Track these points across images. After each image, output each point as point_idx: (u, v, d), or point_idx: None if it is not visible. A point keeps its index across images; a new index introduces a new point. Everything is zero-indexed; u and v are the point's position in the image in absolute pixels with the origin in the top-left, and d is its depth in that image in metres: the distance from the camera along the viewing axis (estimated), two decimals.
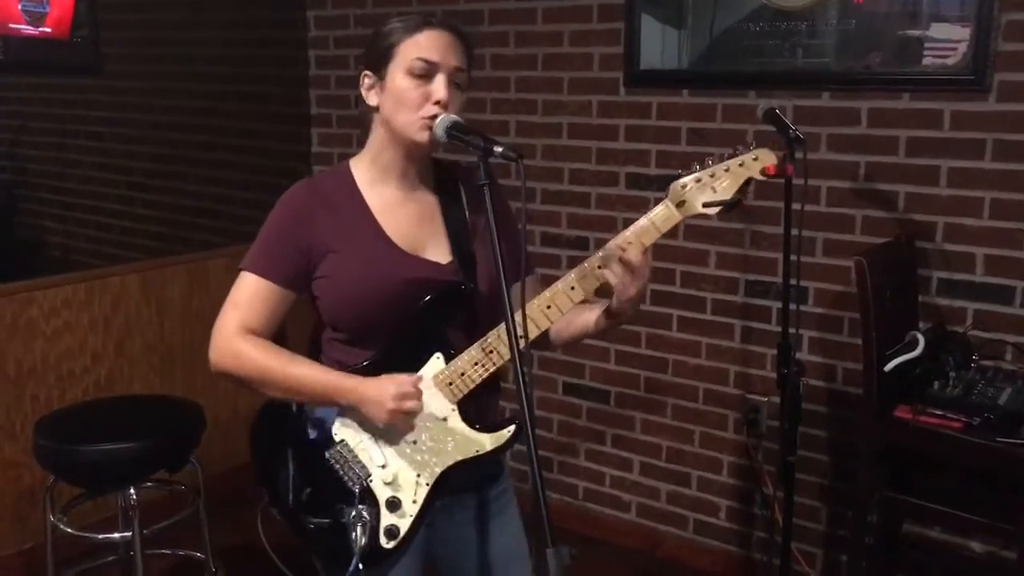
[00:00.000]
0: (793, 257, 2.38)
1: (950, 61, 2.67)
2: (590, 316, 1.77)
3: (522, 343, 1.54)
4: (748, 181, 1.67)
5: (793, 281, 2.42)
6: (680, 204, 1.67)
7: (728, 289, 3.15)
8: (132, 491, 2.67)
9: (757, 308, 3.11)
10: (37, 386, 3.25)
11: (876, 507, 2.65)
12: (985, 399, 2.41)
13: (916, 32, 2.71)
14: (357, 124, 1.83)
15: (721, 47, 3.02)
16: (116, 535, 2.86)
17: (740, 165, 1.66)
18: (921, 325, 2.75)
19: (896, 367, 2.49)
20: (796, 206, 2.34)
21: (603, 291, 1.69)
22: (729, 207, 1.68)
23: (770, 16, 2.90)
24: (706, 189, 1.66)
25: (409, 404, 1.63)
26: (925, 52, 2.70)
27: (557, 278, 1.69)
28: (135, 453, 2.63)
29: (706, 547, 3.34)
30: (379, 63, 1.67)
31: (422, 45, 1.64)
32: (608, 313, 1.74)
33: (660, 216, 1.67)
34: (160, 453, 2.70)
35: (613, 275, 1.65)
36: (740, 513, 3.27)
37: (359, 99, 1.74)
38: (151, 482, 2.87)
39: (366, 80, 1.70)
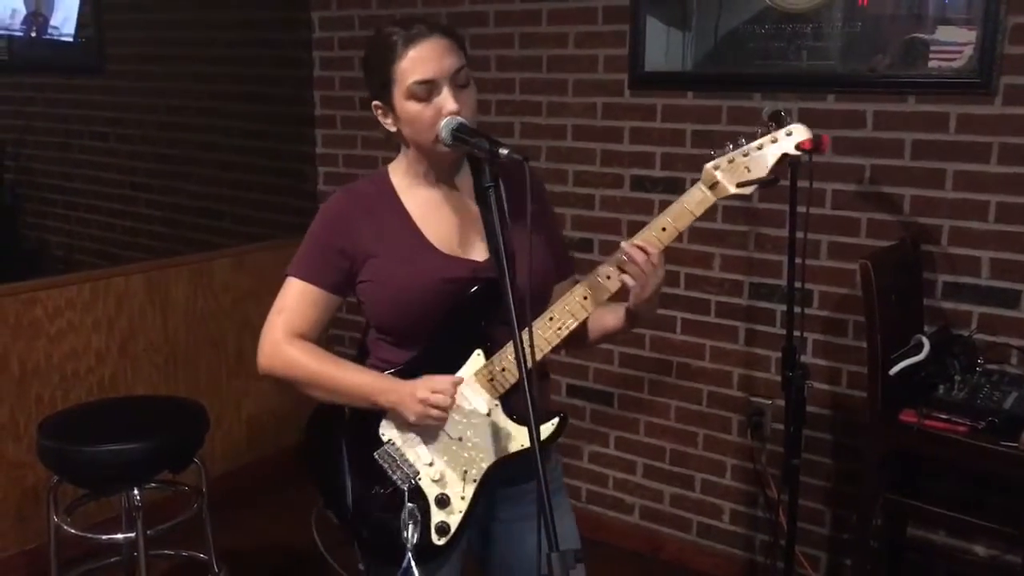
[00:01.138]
0: (798, 260, 2.38)
1: (956, 64, 2.66)
2: (613, 316, 1.80)
3: (558, 338, 1.61)
4: (783, 157, 1.64)
5: (798, 284, 2.42)
6: (713, 186, 1.65)
7: (733, 292, 3.15)
8: (136, 492, 2.67)
9: (762, 311, 3.10)
10: (41, 386, 3.25)
11: (880, 511, 2.64)
12: (990, 403, 2.40)
13: (922, 35, 2.70)
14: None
15: (726, 49, 3.02)
16: (119, 536, 2.86)
17: (773, 142, 1.64)
18: (926, 328, 2.75)
19: (901, 370, 2.49)
20: (801, 209, 2.34)
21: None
22: (764, 185, 1.65)
23: (775, 18, 2.90)
24: (739, 169, 1.65)
25: (436, 404, 1.64)
26: (931, 55, 2.69)
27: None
28: (139, 454, 2.63)
29: (709, 550, 3.34)
30: (383, 93, 1.68)
31: (414, 66, 1.64)
32: (628, 314, 1.77)
33: (694, 200, 1.67)
34: (163, 454, 2.70)
35: (628, 278, 1.67)
36: (744, 516, 3.26)
37: (379, 127, 1.76)
38: (155, 483, 2.87)
39: (379, 111, 1.72)
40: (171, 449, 2.73)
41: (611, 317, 1.81)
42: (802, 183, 2.32)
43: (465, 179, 1.80)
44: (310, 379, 1.74)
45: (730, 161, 1.65)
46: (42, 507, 2.91)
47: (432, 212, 1.76)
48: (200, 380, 3.64)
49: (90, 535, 2.84)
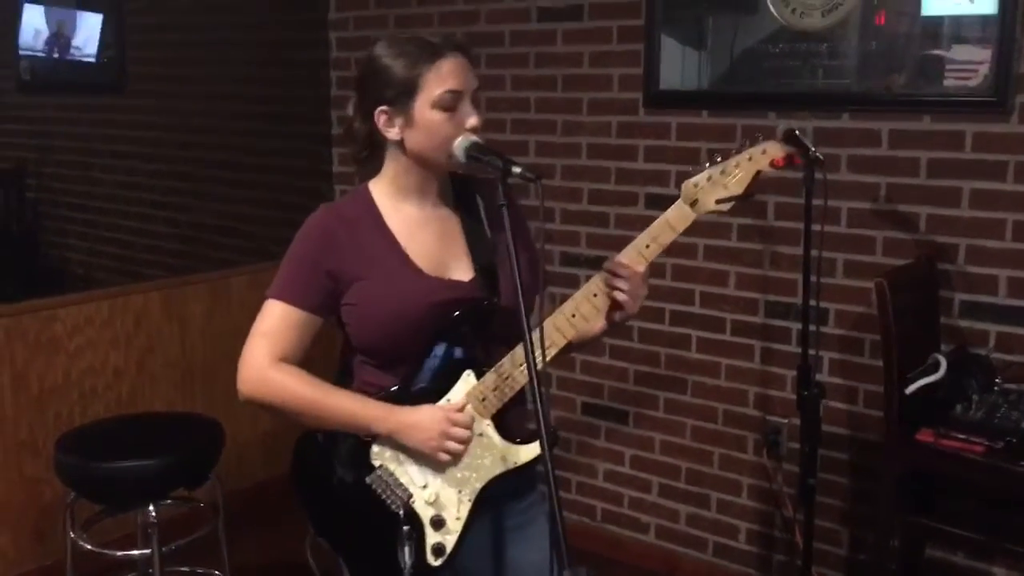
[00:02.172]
0: (813, 278, 2.38)
1: (972, 83, 2.66)
2: (592, 327, 1.79)
3: (547, 356, 1.59)
4: (758, 174, 1.68)
5: (813, 302, 2.41)
6: (693, 203, 1.68)
7: (748, 310, 3.14)
8: (152, 508, 2.69)
9: (777, 329, 3.09)
10: (59, 403, 3.27)
11: (898, 531, 2.62)
12: (1008, 422, 2.38)
13: (937, 53, 2.70)
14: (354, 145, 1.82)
15: (741, 68, 3.03)
16: (135, 552, 2.88)
17: (749, 159, 1.67)
18: (943, 347, 2.73)
19: (918, 390, 2.47)
20: (816, 227, 2.34)
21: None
22: (741, 201, 1.69)
23: (790, 37, 2.90)
24: (717, 186, 1.67)
25: (458, 438, 1.66)
26: (946, 73, 2.69)
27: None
28: (155, 470, 2.64)
29: (726, 570, 3.32)
30: (399, 99, 1.66)
31: (445, 76, 1.64)
32: (612, 324, 1.77)
33: (675, 216, 1.69)
34: (180, 470, 2.72)
35: (620, 292, 1.68)
36: (760, 536, 3.24)
37: (367, 131, 1.74)
38: (171, 499, 2.88)
39: (382, 116, 1.69)
40: (187, 466, 2.75)
41: (591, 328, 1.79)
42: (817, 201, 2.32)
43: (447, 196, 1.80)
44: (298, 406, 1.71)
45: (708, 178, 1.67)
46: (59, 523, 2.93)
47: (416, 232, 1.74)
48: (217, 397, 3.66)
49: (106, 551, 2.85)
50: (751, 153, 1.67)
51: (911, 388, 2.47)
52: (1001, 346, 2.70)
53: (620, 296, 1.68)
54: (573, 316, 1.70)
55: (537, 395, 1.45)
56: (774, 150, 1.68)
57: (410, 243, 1.73)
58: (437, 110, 1.65)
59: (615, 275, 1.67)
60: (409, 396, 1.71)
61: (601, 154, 3.36)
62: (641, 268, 1.69)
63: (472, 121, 1.66)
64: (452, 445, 1.66)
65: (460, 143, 1.65)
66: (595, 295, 1.70)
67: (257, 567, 3.32)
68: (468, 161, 1.64)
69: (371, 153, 1.77)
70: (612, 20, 3.25)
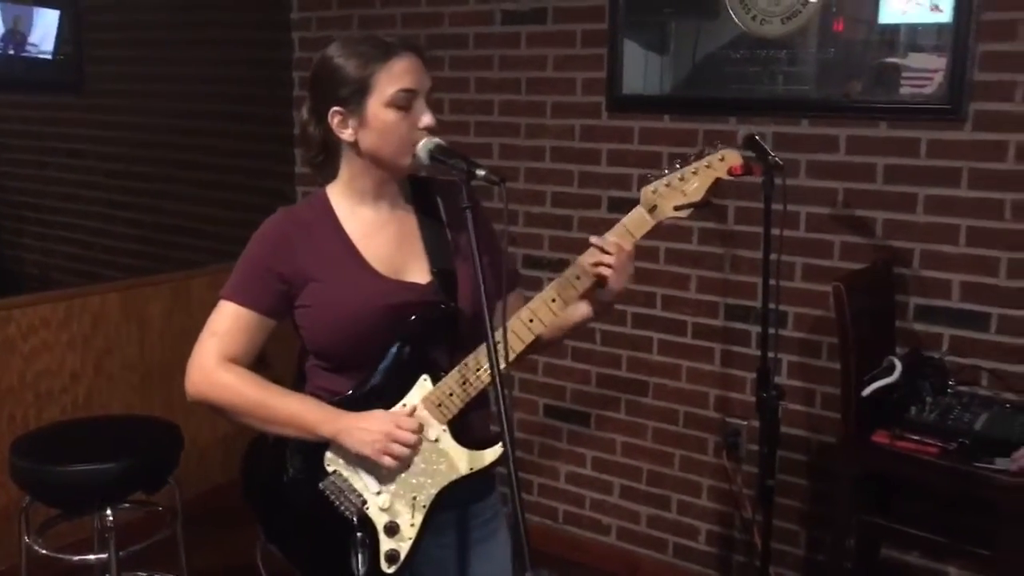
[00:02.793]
0: (772, 282, 2.41)
1: (927, 90, 2.71)
2: (572, 314, 1.78)
3: (507, 360, 1.58)
4: (716, 181, 1.71)
5: (772, 305, 2.44)
6: (652, 209, 1.70)
7: (708, 313, 3.17)
8: (109, 512, 2.65)
9: (737, 332, 3.13)
10: (14, 405, 3.22)
11: (854, 531, 2.66)
12: (961, 424, 2.43)
13: (894, 61, 2.75)
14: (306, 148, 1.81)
15: (703, 73, 3.06)
16: (92, 557, 2.84)
17: (707, 167, 1.70)
18: (898, 350, 2.77)
19: (874, 392, 2.51)
20: (775, 231, 2.37)
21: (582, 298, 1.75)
22: (699, 208, 1.71)
23: (751, 43, 2.94)
24: (676, 192, 1.70)
25: (404, 442, 1.63)
26: (903, 81, 2.74)
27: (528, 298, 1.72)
28: (112, 474, 2.61)
29: (686, 571, 3.34)
30: (352, 98, 1.65)
31: (399, 75, 1.64)
32: (593, 307, 1.77)
33: (634, 222, 1.71)
34: (138, 474, 2.68)
35: (605, 269, 1.68)
36: (720, 537, 3.27)
37: (322, 134, 1.72)
38: (128, 503, 2.84)
39: (336, 117, 1.67)
40: (145, 469, 2.71)
41: (574, 314, 1.79)
42: (776, 206, 2.35)
43: (405, 198, 1.79)
44: (245, 407, 1.69)
45: (667, 184, 1.70)
46: (13, 528, 2.88)
47: (373, 234, 1.73)
48: (176, 399, 3.62)
49: (62, 556, 2.81)
50: (709, 160, 1.70)
51: (867, 390, 2.51)
52: (954, 349, 2.75)
53: (606, 271, 1.68)
54: (531, 321, 1.69)
55: (500, 399, 1.45)
56: (732, 158, 1.71)
57: (366, 245, 1.72)
58: (391, 109, 1.64)
59: (602, 251, 1.68)
60: (363, 401, 1.69)
61: (564, 157, 3.37)
62: (628, 247, 1.69)
63: (426, 120, 1.65)
64: (397, 448, 1.63)
65: (424, 145, 1.64)
66: (553, 300, 1.70)
67: (216, 571, 3.29)
68: (432, 163, 1.64)
69: (327, 156, 1.76)
70: (576, 24, 3.27)
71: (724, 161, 1.70)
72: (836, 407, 2.81)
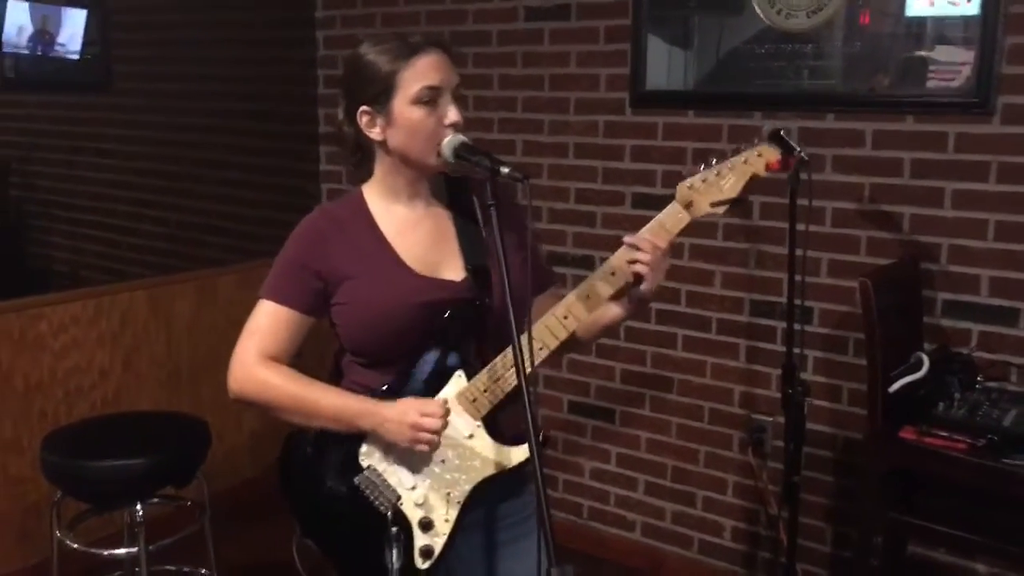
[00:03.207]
0: (798, 277, 2.40)
1: (954, 84, 2.68)
2: (605, 313, 1.75)
3: (536, 359, 1.60)
4: (753, 178, 1.69)
5: (798, 301, 2.43)
6: (688, 205, 1.68)
7: (733, 309, 3.16)
8: (138, 507, 2.68)
9: (762, 328, 3.11)
10: (45, 402, 3.26)
11: (881, 528, 2.64)
12: (990, 420, 2.41)
13: (921, 54, 2.73)
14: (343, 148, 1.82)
15: (727, 68, 3.05)
16: (122, 551, 2.87)
17: (744, 162, 1.68)
18: (926, 346, 2.75)
19: (901, 388, 2.50)
20: (801, 227, 2.36)
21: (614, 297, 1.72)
22: (735, 205, 1.70)
23: (776, 38, 2.92)
24: (713, 188, 1.68)
25: (429, 429, 1.64)
26: (929, 74, 2.71)
27: (564, 296, 1.71)
28: (141, 469, 2.64)
29: (711, 567, 3.34)
30: (379, 97, 1.67)
31: (423, 72, 1.65)
32: (627, 305, 1.74)
33: (670, 219, 1.69)
34: (166, 469, 2.71)
35: (641, 266, 1.66)
36: (745, 533, 3.27)
37: (355, 134, 1.73)
38: (157, 498, 2.88)
39: (364, 117, 1.70)
40: (174, 464, 2.74)
41: (607, 313, 1.76)
42: (802, 201, 2.34)
43: (440, 197, 1.79)
44: (285, 403, 1.71)
45: (703, 180, 1.68)
46: (45, 522, 2.93)
47: (407, 232, 1.75)
48: (203, 396, 3.66)
49: (93, 550, 2.84)
50: (747, 156, 1.68)
51: (894, 386, 2.49)
52: (983, 345, 2.73)
53: (641, 268, 1.66)
54: (565, 318, 1.69)
55: (526, 396, 1.45)
56: (770, 154, 1.68)
57: (401, 243, 1.73)
58: (416, 107, 1.65)
59: (636, 248, 1.66)
60: (398, 396, 1.70)
61: (588, 154, 3.37)
62: (663, 244, 1.68)
63: (452, 117, 1.65)
64: (425, 436, 1.64)
65: (448, 142, 1.65)
66: (588, 296, 1.69)
67: (243, 566, 3.32)
68: (456, 161, 1.64)
69: (363, 156, 1.78)
70: (599, 20, 3.26)
71: (762, 157, 1.68)
72: (862, 403, 2.80)
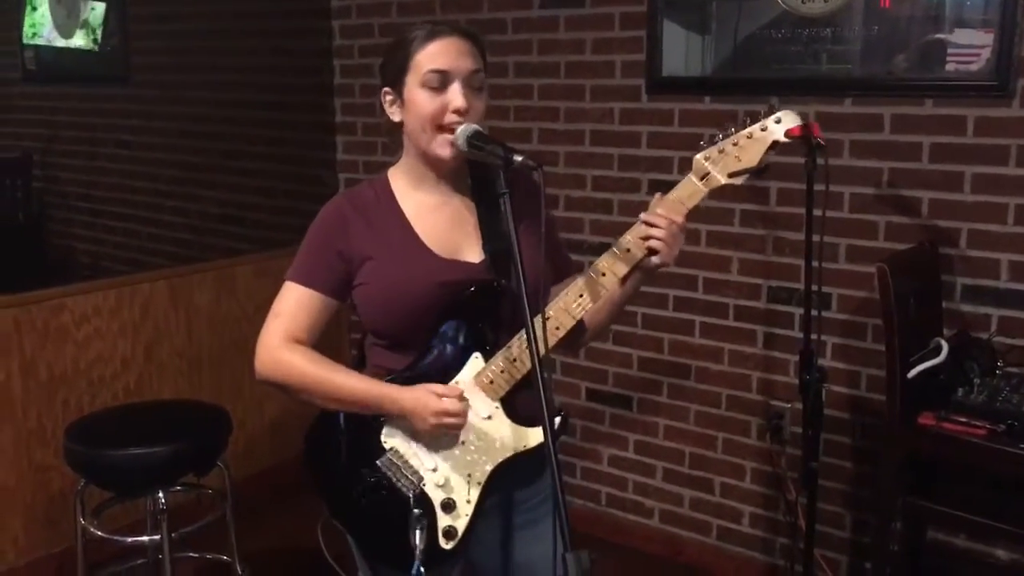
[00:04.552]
0: (816, 263, 2.39)
1: (974, 67, 2.66)
2: (615, 289, 1.75)
3: (551, 341, 1.62)
4: (773, 145, 1.65)
5: (816, 287, 2.42)
6: (704, 177, 1.66)
7: (751, 295, 3.16)
8: (161, 495, 2.71)
9: (780, 314, 3.11)
10: (68, 391, 3.30)
11: (900, 514, 2.64)
12: (1010, 406, 2.39)
13: (939, 37, 2.70)
14: (381, 132, 1.85)
15: (744, 53, 3.03)
16: (145, 538, 2.90)
17: (763, 130, 1.65)
18: (945, 332, 2.74)
19: (919, 374, 2.49)
20: (818, 212, 2.35)
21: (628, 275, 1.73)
22: (755, 174, 1.66)
23: (793, 22, 2.91)
24: (730, 158, 1.65)
25: (451, 412, 1.66)
26: (948, 58, 2.69)
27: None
28: (164, 457, 2.67)
29: (729, 553, 3.34)
30: (396, 79, 1.70)
31: (433, 56, 1.66)
32: (648, 273, 1.74)
33: (686, 192, 1.68)
34: (188, 457, 2.74)
35: (656, 241, 1.65)
36: (763, 519, 3.27)
37: (383, 116, 1.77)
38: (179, 486, 2.90)
39: (387, 97, 1.74)
40: (195, 452, 2.77)
41: (617, 290, 1.75)
42: (819, 186, 2.33)
43: (464, 182, 1.81)
44: (308, 385, 1.73)
45: (720, 151, 1.66)
46: (69, 510, 2.96)
47: (428, 214, 1.76)
48: (223, 384, 3.69)
49: (116, 538, 2.88)
50: (764, 123, 1.65)
51: (913, 372, 2.49)
52: (1003, 330, 2.71)
53: (656, 244, 1.66)
54: (580, 296, 1.70)
55: (539, 378, 1.46)
56: (789, 120, 1.64)
57: (422, 225, 1.75)
58: (423, 89, 1.67)
59: (652, 224, 1.66)
60: (416, 379, 1.71)
61: (604, 141, 3.36)
62: (679, 218, 1.67)
63: (456, 103, 1.66)
64: (447, 420, 1.66)
65: (462, 131, 1.65)
66: (604, 274, 1.69)
67: (265, 552, 3.35)
68: (469, 149, 1.65)
69: (394, 139, 1.81)
70: (614, 6, 3.25)
71: (781, 123, 1.64)
72: (881, 389, 2.79)
